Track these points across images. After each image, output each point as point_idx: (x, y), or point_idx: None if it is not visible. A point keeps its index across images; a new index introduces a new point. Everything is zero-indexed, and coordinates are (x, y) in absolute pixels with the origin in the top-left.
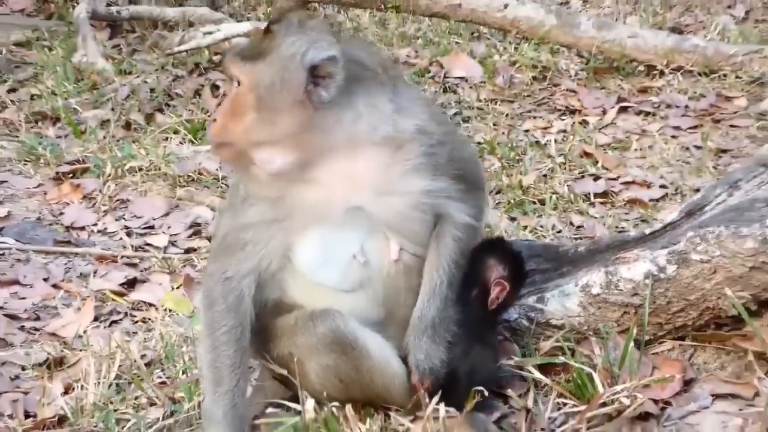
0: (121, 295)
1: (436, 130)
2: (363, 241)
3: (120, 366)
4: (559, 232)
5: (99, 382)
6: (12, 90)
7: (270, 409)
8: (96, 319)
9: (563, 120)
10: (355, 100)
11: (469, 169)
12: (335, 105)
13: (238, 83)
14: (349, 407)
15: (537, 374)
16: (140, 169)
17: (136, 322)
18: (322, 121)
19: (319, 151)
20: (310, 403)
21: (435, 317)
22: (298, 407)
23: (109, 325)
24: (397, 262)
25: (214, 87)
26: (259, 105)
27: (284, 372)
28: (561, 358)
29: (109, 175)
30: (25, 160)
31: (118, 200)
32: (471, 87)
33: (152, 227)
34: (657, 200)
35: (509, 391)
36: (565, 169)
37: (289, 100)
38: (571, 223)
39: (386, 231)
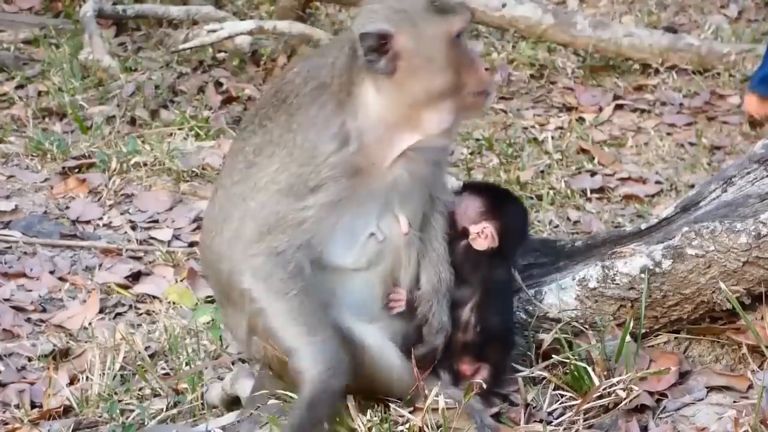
0: (125, 287)
1: None
2: (378, 218)
3: (124, 357)
4: (557, 227)
5: (104, 374)
6: (20, 86)
7: (272, 401)
8: (101, 311)
9: (560, 117)
10: None
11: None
12: None
13: None
14: (350, 398)
15: (538, 370)
16: (145, 164)
17: (141, 314)
18: None
19: None
20: None
21: (447, 282)
22: None
23: (114, 317)
24: (407, 236)
25: (218, 84)
26: None
27: (284, 359)
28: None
29: (115, 169)
30: (32, 155)
31: (123, 194)
32: None
33: (156, 221)
34: (652, 196)
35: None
36: (562, 165)
37: None
38: (568, 219)
39: (396, 209)
